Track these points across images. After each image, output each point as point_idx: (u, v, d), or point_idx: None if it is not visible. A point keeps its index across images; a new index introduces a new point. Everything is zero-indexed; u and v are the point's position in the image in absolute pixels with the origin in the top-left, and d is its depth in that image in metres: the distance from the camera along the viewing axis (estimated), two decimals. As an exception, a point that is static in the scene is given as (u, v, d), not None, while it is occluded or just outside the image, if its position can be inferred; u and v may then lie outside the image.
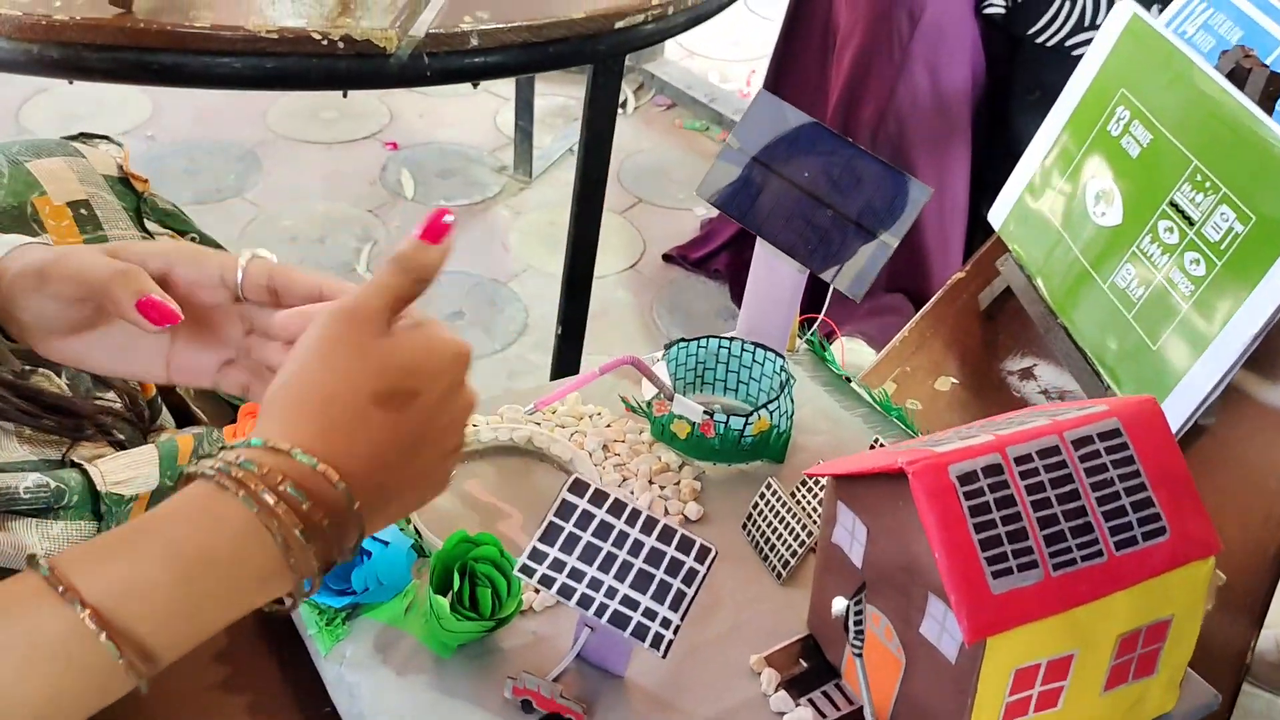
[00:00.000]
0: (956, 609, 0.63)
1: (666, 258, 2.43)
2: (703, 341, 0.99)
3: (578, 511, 0.73)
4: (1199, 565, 0.71)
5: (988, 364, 1.21)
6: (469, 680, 0.76)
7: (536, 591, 0.81)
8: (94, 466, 0.82)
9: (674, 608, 0.71)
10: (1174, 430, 0.92)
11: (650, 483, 0.93)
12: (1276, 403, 1.01)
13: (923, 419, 1.13)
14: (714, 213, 2.41)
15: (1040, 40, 1.79)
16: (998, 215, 1.20)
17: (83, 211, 0.97)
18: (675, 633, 0.71)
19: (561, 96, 2.96)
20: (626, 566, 0.72)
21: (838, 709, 0.76)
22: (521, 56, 1.25)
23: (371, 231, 2.48)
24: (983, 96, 1.90)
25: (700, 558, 0.72)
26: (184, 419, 1.00)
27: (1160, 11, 1.26)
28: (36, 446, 0.81)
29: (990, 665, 0.66)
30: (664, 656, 0.71)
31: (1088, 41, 1.75)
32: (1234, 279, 0.91)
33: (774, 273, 1.00)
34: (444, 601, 0.74)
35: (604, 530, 0.73)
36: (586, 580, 0.72)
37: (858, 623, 0.71)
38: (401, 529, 0.83)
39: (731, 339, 0.99)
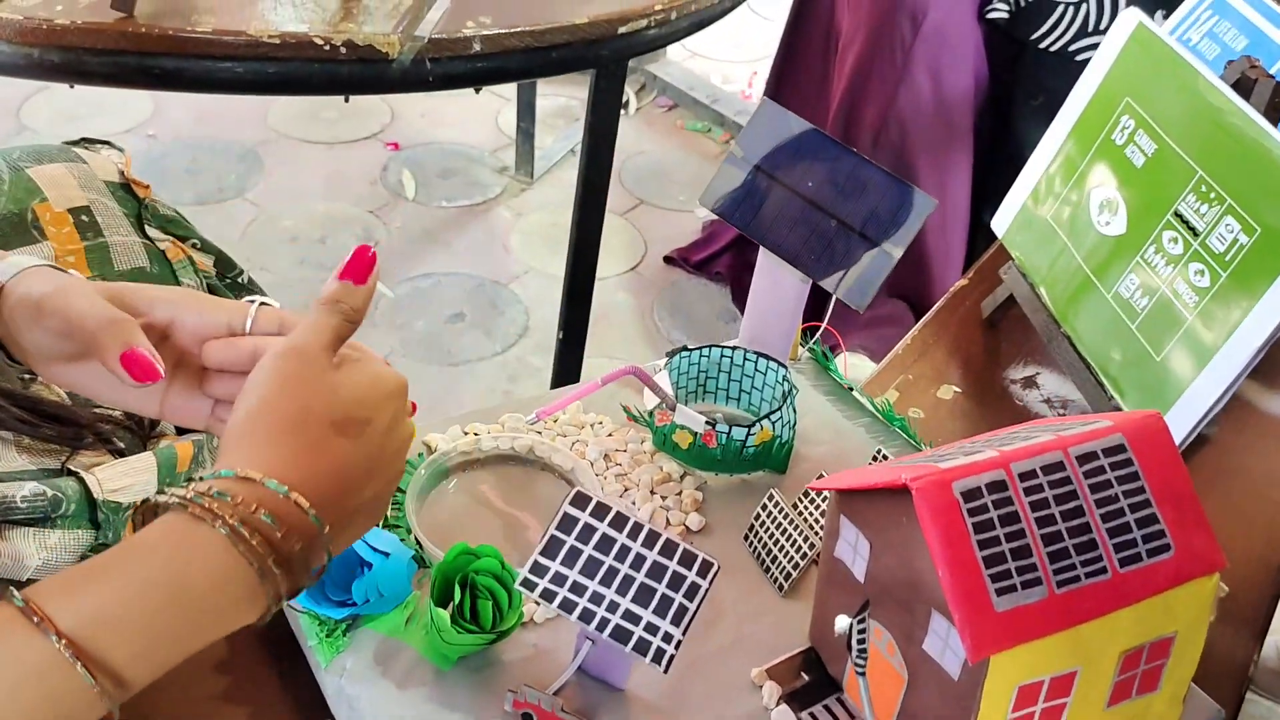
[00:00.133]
0: (960, 627, 0.63)
1: (668, 260, 2.42)
2: (705, 351, 0.99)
3: (579, 525, 0.73)
4: (1203, 582, 0.70)
5: (990, 372, 1.21)
6: (469, 693, 0.76)
7: (537, 603, 0.81)
8: (91, 475, 0.81)
9: (676, 623, 0.71)
10: (1177, 442, 0.91)
11: (652, 493, 0.92)
12: (1279, 412, 1.01)
13: (925, 428, 1.12)
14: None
15: (1043, 45, 1.79)
16: (1001, 223, 1.20)
17: (83, 218, 0.97)
18: (677, 648, 0.71)
19: (564, 97, 2.95)
20: (628, 581, 0.72)
21: (839, 723, 0.76)
22: (523, 62, 1.24)
23: (373, 232, 2.48)
24: (985, 101, 1.90)
25: (702, 572, 0.72)
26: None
27: (1166, 18, 1.25)
28: (35, 456, 0.81)
29: (993, 682, 0.65)
30: (665, 672, 0.70)
31: (1091, 47, 1.76)
32: (1239, 290, 0.91)
33: (777, 282, 1.00)
34: (445, 614, 0.74)
35: (606, 544, 0.73)
36: (588, 595, 0.72)
37: (861, 641, 0.70)
38: (403, 539, 0.83)
39: (734, 348, 0.99)
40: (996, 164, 1.92)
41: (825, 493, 0.89)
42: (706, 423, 0.91)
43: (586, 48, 1.27)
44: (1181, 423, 0.94)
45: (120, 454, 0.86)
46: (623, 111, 2.87)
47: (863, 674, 0.71)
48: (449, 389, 2.10)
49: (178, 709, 0.78)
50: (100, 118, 2.75)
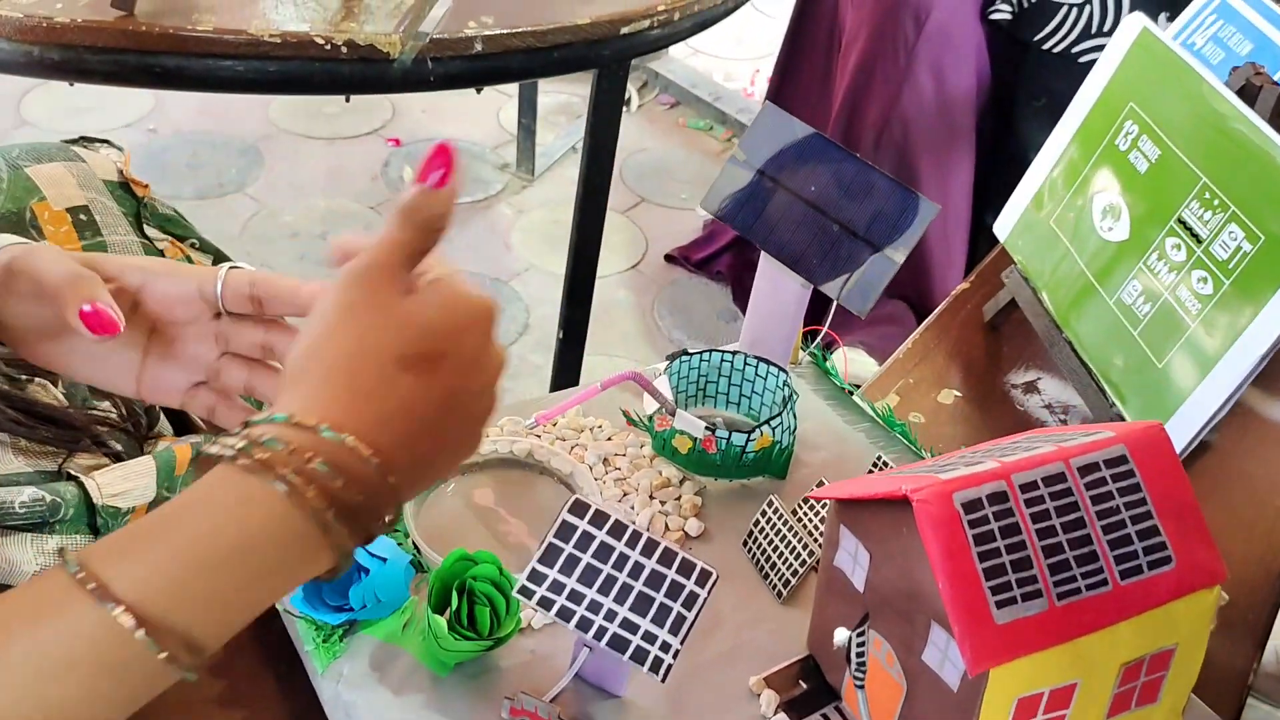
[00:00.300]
0: (959, 639, 0.63)
1: (669, 258, 2.42)
2: (705, 355, 0.98)
3: (578, 533, 0.73)
4: (1204, 594, 0.70)
5: (991, 377, 1.20)
6: (466, 699, 0.76)
7: (535, 610, 0.80)
8: (90, 479, 0.81)
9: (674, 631, 0.71)
10: (1178, 449, 0.91)
11: (651, 498, 0.92)
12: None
13: (925, 432, 1.12)
14: (717, 213, 2.40)
15: (1047, 46, 1.78)
16: (1003, 226, 1.19)
17: (82, 217, 0.96)
18: (675, 657, 0.70)
19: (565, 94, 2.95)
20: (626, 589, 0.71)
21: (838, 732, 0.76)
22: (525, 62, 1.24)
23: (374, 227, 2.47)
24: (988, 102, 1.89)
25: (701, 581, 0.72)
26: (182, 427, 0.99)
27: (1170, 22, 1.25)
28: (32, 458, 0.81)
29: (993, 694, 0.65)
30: (663, 681, 0.70)
31: (1095, 48, 1.75)
32: (1242, 298, 0.90)
33: (778, 287, 0.99)
34: (442, 621, 0.74)
35: (604, 552, 0.72)
36: (586, 602, 0.71)
37: (860, 654, 0.70)
38: (400, 544, 0.82)
39: (734, 352, 0.99)
40: (999, 165, 1.91)
41: (825, 499, 0.88)
42: (706, 428, 0.90)
43: (588, 48, 1.27)
44: (1183, 430, 0.93)
45: (117, 456, 0.86)
46: (624, 109, 2.86)
47: (861, 686, 0.71)
48: (449, 387, 2.09)
49: (173, 713, 0.77)
50: (100, 112, 2.74)
